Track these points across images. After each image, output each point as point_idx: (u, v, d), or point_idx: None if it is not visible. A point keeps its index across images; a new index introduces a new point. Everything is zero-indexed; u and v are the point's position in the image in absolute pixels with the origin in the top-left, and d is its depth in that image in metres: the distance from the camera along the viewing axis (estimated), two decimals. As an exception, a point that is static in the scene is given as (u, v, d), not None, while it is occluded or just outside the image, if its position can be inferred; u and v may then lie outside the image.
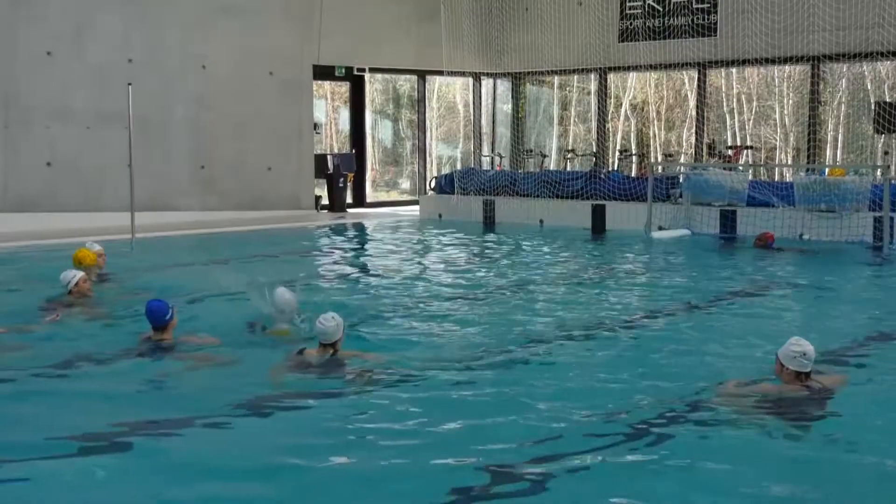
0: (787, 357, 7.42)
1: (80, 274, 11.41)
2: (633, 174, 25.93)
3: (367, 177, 28.46)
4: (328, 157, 26.19)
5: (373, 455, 6.50)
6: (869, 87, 29.66)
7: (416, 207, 25.96)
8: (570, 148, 30.10)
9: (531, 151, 27.71)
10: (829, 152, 29.69)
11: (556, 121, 33.41)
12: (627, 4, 24.69)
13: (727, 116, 32.50)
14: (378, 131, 32.43)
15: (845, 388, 7.71)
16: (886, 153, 21.49)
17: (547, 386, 8.05)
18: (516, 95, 28.54)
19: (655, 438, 6.72)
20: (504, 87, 29.04)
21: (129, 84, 17.50)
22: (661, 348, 9.39)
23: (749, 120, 32.65)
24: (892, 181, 17.54)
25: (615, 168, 27.04)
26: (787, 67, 28.21)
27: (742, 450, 6.50)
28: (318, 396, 7.82)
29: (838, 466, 6.31)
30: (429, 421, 7.15)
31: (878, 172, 19.72)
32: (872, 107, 22.71)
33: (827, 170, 20.63)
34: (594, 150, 27.04)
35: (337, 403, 7.67)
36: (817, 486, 5.99)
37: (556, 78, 30.67)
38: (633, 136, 34.27)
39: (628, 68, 26.45)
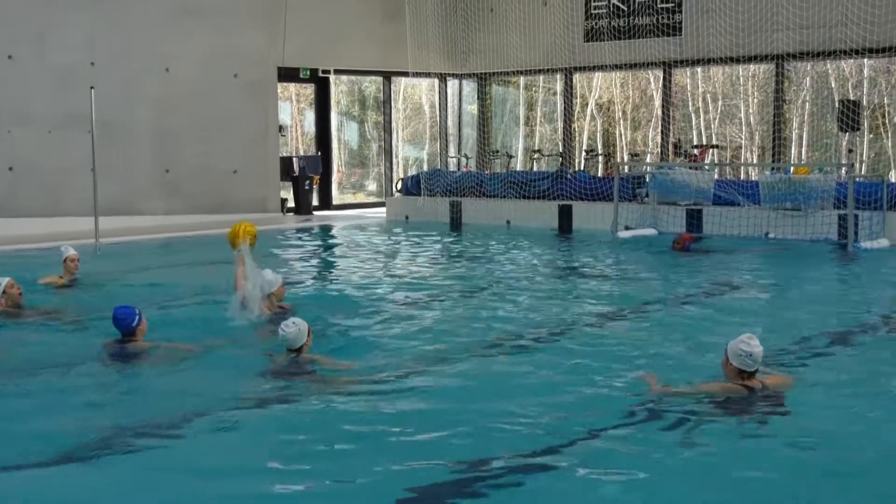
0: (733, 352, 7.42)
1: (5, 280, 11.13)
2: (600, 174, 26.06)
3: (333, 179, 28.43)
4: (294, 159, 26.12)
5: (333, 459, 6.52)
6: (833, 85, 29.89)
7: (383, 209, 25.95)
8: (536, 148, 30.18)
9: (497, 152, 27.76)
10: (794, 150, 29.90)
11: (522, 121, 33.50)
12: (592, 4, 24.77)
13: (693, 116, 32.67)
14: (344, 133, 32.41)
15: (790, 388, 7.69)
16: (850, 151, 21.69)
17: (502, 389, 8.05)
18: (482, 96, 28.57)
19: (603, 442, 6.75)
20: (470, 87, 29.07)
21: (92, 87, 17.40)
22: (618, 350, 9.41)
23: (714, 119, 32.84)
24: (857, 179, 17.69)
25: (581, 168, 27.13)
26: (751, 66, 28.39)
27: (680, 451, 6.52)
28: (280, 401, 7.83)
29: (775, 466, 6.31)
30: (392, 425, 7.15)
31: (843, 170, 19.87)
32: (836, 105, 22.89)
33: (792, 168, 20.75)
34: (560, 151, 27.10)
35: (298, 408, 7.66)
36: (756, 488, 6.01)
37: (521, 78, 30.75)
38: (599, 135, 34.40)
39: (594, 68, 26.52)
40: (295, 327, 8.60)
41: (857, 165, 19.16)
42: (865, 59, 25.31)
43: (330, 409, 7.61)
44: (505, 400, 7.68)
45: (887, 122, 29.33)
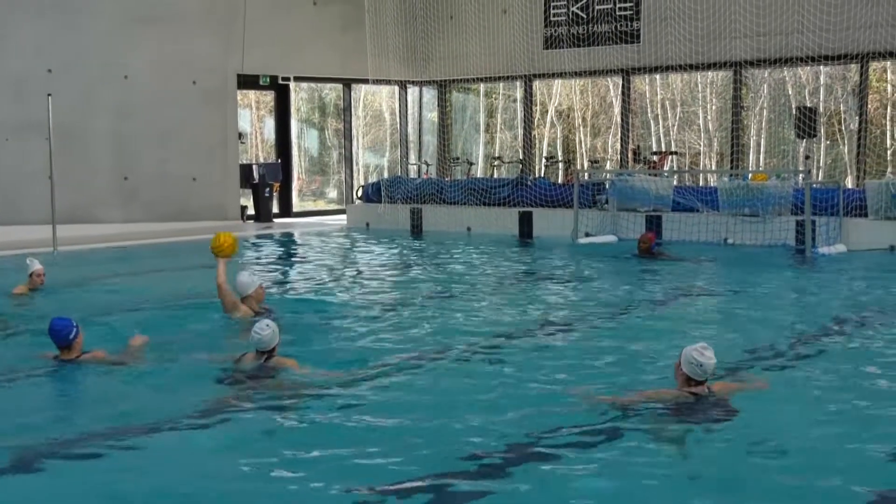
0: (686, 359, 7.42)
1: None
2: (560, 181, 26.12)
3: (293, 186, 28.36)
4: (253, 166, 26.04)
5: (299, 464, 6.51)
6: (790, 92, 30.16)
7: (344, 216, 25.93)
8: (496, 155, 30.27)
9: (458, 159, 27.80)
10: (752, 157, 30.17)
11: (482, 128, 33.58)
12: (552, 12, 24.87)
13: (652, 122, 32.87)
14: (304, 140, 32.39)
15: (735, 395, 7.69)
16: (807, 157, 21.89)
17: (461, 394, 8.07)
18: (442, 103, 28.61)
19: (553, 448, 6.74)
20: (430, 94, 29.10)
21: (49, 95, 17.30)
22: (574, 356, 9.44)
23: (673, 126, 33.06)
24: (814, 185, 17.85)
25: (542, 175, 27.21)
26: (709, 73, 28.57)
27: (623, 458, 6.54)
28: (249, 404, 7.82)
29: (721, 470, 6.37)
30: (356, 430, 7.15)
31: (800, 177, 20.05)
32: (793, 112, 23.10)
33: (750, 174, 20.92)
34: (521, 157, 27.18)
35: (267, 411, 7.65)
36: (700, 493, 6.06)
37: (481, 85, 30.83)
38: (559, 142, 34.55)
39: (553, 75, 26.62)
40: (269, 329, 8.64)
41: (814, 172, 19.34)
42: (821, 67, 25.59)
43: (298, 413, 7.61)
44: (468, 407, 7.69)
45: (843, 128, 29.63)
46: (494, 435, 6.97)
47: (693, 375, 7.39)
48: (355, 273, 16.33)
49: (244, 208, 25.56)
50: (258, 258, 18.70)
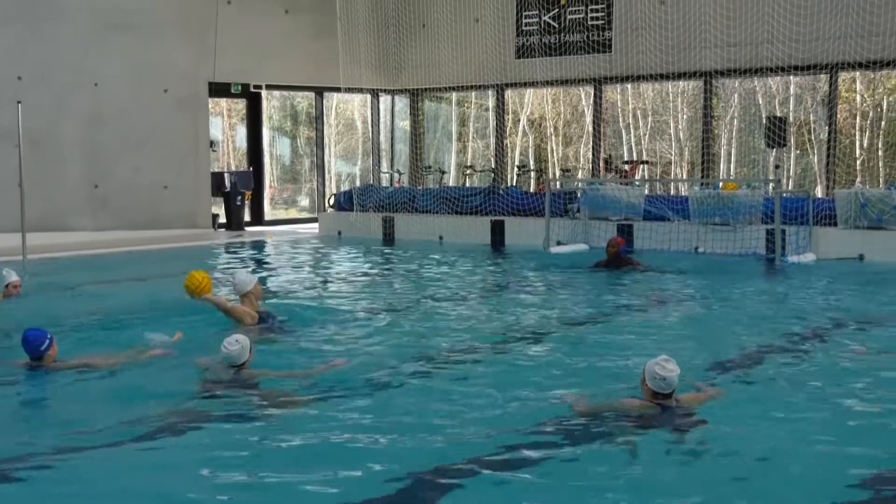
0: (649, 374, 7.43)
1: None
2: (532, 190, 26.24)
3: (264, 194, 28.34)
4: (225, 174, 26.01)
5: (272, 473, 6.54)
6: (760, 101, 30.37)
7: (315, 225, 25.92)
8: (468, 164, 30.31)
9: (430, 168, 27.85)
10: (722, 166, 30.33)
11: (454, 137, 33.65)
12: (524, 21, 24.97)
13: (623, 132, 33.01)
14: (276, 148, 32.36)
15: (703, 404, 7.72)
16: (777, 167, 22.06)
17: (430, 404, 8.10)
18: (415, 112, 28.66)
19: (522, 457, 6.79)
20: (402, 103, 29.16)
21: (19, 102, 17.24)
22: (545, 366, 9.49)
23: (645, 135, 33.20)
24: (783, 194, 17.98)
25: (514, 184, 27.30)
26: (680, 83, 28.73)
27: (594, 466, 6.61)
28: (222, 416, 7.82)
29: (686, 482, 6.42)
30: (330, 440, 7.18)
31: (770, 186, 20.20)
32: (764, 121, 23.26)
33: (721, 184, 21.06)
34: (493, 166, 27.25)
35: (239, 422, 7.65)
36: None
37: (454, 94, 30.89)
38: (531, 151, 34.64)
39: (525, 84, 26.73)
40: (238, 345, 8.65)
41: (784, 181, 19.51)
42: (791, 77, 25.79)
43: (269, 423, 7.63)
44: (440, 413, 7.76)
45: (813, 138, 29.85)
46: (458, 445, 7.02)
47: (658, 389, 7.41)
48: (327, 281, 16.35)
49: (215, 216, 25.52)
50: (229, 267, 18.65)
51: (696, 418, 7.43)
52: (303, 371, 9.06)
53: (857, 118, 29.94)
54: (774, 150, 21.87)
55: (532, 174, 30.03)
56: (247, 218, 26.56)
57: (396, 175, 27.48)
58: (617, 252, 16.88)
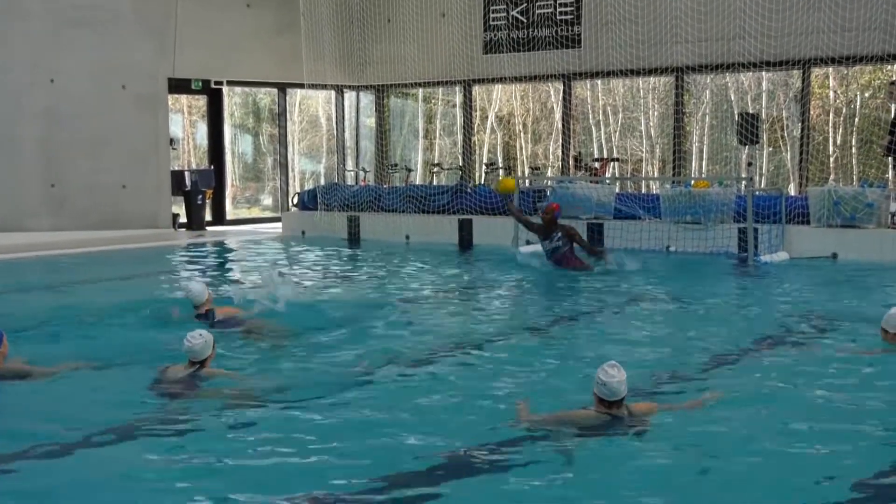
0: (595, 381, 7.31)
1: None
2: (500, 188, 26.24)
3: (226, 193, 28.26)
4: (185, 173, 25.92)
5: (227, 477, 6.58)
6: (732, 98, 30.58)
7: (279, 225, 25.86)
8: (436, 162, 30.38)
9: (396, 166, 27.84)
10: (694, 164, 30.52)
11: (421, 134, 33.69)
12: (491, 16, 25.02)
13: (593, 128, 33.16)
14: (238, 146, 32.28)
15: (656, 415, 7.64)
16: (750, 164, 22.18)
17: (386, 410, 8.08)
18: (380, 108, 28.65)
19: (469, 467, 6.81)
20: (367, 99, 29.14)
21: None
22: (504, 371, 9.48)
23: (615, 132, 33.36)
24: (756, 192, 18.09)
25: (482, 182, 27.33)
26: (651, 79, 28.87)
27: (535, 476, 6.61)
28: (181, 416, 7.83)
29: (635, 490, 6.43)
30: (289, 443, 7.20)
31: (742, 184, 20.32)
32: (736, 118, 23.40)
33: (692, 181, 21.16)
34: (460, 164, 27.29)
35: (200, 423, 7.67)
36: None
37: (420, 90, 30.93)
38: (499, 148, 34.73)
39: (493, 80, 26.78)
40: (202, 339, 8.63)
41: (757, 179, 19.63)
42: (763, 73, 25.96)
43: (228, 424, 7.63)
44: (399, 419, 7.80)
45: (786, 135, 30.09)
46: (416, 450, 7.06)
47: (602, 396, 7.27)
48: (291, 283, 16.31)
49: (176, 216, 25.42)
50: (189, 269, 18.62)
51: (646, 429, 7.34)
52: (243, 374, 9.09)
53: (831, 115, 30.20)
54: (747, 147, 21.97)
55: (500, 172, 30.07)
56: (208, 217, 26.48)
57: (362, 173, 27.47)
58: (552, 218, 16.92)
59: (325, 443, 7.19)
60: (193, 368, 8.65)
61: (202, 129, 29.11)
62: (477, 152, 31.04)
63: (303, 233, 24.14)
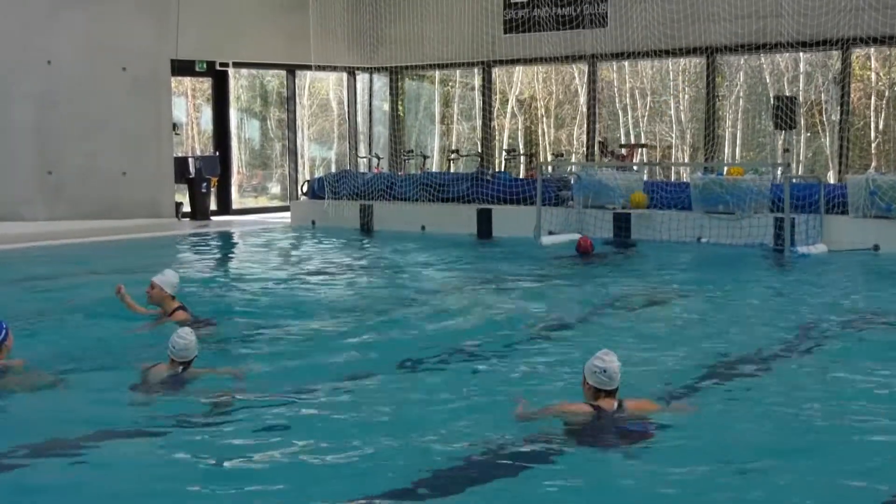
0: (588, 371, 7.36)
1: None
2: (521, 175, 26.17)
3: (232, 181, 28.21)
4: (189, 159, 25.87)
5: (220, 479, 6.61)
6: (768, 80, 30.39)
7: (287, 214, 25.80)
8: (453, 148, 30.29)
9: (411, 152, 27.77)
10: (727, 150, 30.34)
11: (437, 119, 33.59)
12: (512, -7, 24.90)
13: (620, 113, 33.00)
14: (244, 131, 32.25)
15: (654, 413, 7.62)
16: (786, 150, 22.05)
17: (387, 409, 8.10)
18: (395, 91, 28.55)
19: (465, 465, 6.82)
20: (381, 82, 29.06)
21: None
22: (526, 367, 9.50)
23: (643, 116, 33.19)
24: (793, 180, 17.94)
25: (502, 169, 27.23)
26: (682, 60, 28.70)
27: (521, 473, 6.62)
28: (167, 417, 7.83)
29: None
30: (281, 442, 7.24)
31: (779, 171, 20.17)
32: (771, 101, 23.25)
33: (725, 169, 21.02)
34: (479, 150, 27.19)
35: (187, 424, 7.68)
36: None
37: (437, 72, 30.81)
38: (520, 134, 34.61)
39: (514, 62, 26.68)
40: (191, 338, 8.63)
41: (794, 166, 19.47)
42: (801, 53, 25.79)
43: (217, 425, 7.65)
44: (400, 418, 7.81)
45: (825, 119, 29.89)
46: (421, 449, 7.07)
47: (600, 385, 7.32)
48: (298, 276, 16.25)
49: (179, 205, 25.39)
50: (192, 261, 18.58)
51: (643, 428, 7.34)
52: (238, 369, 9.10)
53: (872, 98, 29.97)
54: (783, 132, 21.82)
55: (522, 159, 29.95)
56: (213, 206, 26.44)
57: (375, 160, 27.41)
58: (586, 252, 17.25)
59: (325, 443, 7.20)
60: (178, 368, 8.63)
61: (207, 114, 29.06)
62: (497, 138, 30.92)
63: (313, 223, 24.07)
